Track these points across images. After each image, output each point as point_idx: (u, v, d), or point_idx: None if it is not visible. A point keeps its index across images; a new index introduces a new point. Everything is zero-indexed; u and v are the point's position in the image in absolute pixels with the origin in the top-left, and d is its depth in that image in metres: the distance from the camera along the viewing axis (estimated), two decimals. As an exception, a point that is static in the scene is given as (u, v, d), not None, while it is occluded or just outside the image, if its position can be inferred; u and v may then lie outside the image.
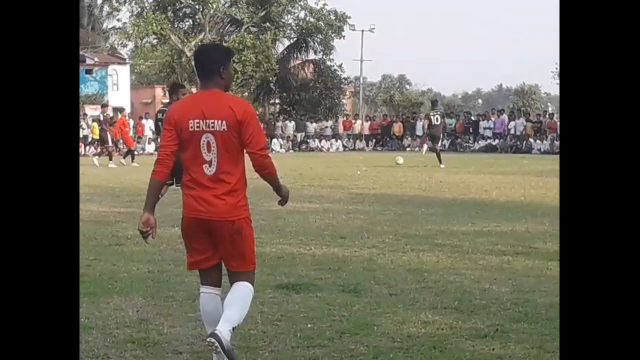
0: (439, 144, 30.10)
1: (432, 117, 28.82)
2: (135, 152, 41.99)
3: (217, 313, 5.26)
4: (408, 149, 48.41)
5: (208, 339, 5.03)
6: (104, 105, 35.07)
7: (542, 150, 42.92)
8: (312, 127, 50.51)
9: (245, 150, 5.27)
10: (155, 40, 51.68)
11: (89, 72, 55.37)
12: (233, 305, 5.22)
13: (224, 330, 5.04)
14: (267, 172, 5.33)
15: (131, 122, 44.33)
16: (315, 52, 55.79)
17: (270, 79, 50.31)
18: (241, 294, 5.30)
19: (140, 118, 46.12)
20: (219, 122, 5.18)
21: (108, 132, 31.17)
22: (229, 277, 5.42)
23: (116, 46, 65.16)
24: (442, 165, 26.98)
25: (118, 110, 46.79)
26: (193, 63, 6.75)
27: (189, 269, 5.58)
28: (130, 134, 43.37)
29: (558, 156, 37.83)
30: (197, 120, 5.20)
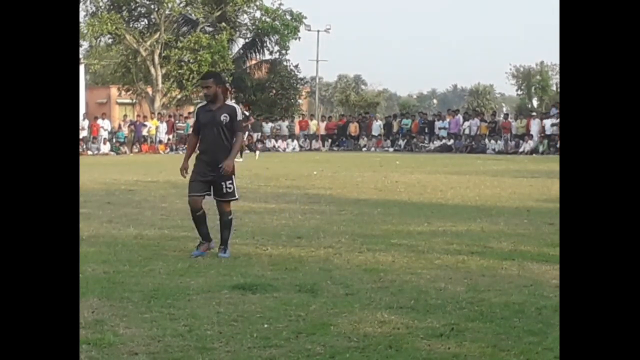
0: None
1: None
2: (90, 153, 41.83)
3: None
4: (364, 148, 48.57)
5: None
6: None
7: (496, 150, 43.32)
8: (267, 127, 50.43)
9: None
10: (110, 40, 51.25)
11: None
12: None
13: None
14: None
15: (86, 122, 43.92)
16: (271, 52, 55.76)
17: (226, 78, 50.18)
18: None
19: (96, 118, 45.62)
20: None
21: None
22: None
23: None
24: None
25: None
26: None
27: None
28: (85, 134, 43.11)
29: (512, 156, 38.30)
30: None
